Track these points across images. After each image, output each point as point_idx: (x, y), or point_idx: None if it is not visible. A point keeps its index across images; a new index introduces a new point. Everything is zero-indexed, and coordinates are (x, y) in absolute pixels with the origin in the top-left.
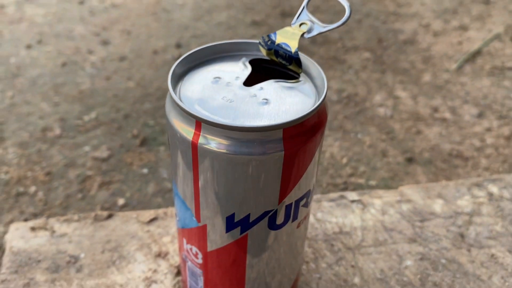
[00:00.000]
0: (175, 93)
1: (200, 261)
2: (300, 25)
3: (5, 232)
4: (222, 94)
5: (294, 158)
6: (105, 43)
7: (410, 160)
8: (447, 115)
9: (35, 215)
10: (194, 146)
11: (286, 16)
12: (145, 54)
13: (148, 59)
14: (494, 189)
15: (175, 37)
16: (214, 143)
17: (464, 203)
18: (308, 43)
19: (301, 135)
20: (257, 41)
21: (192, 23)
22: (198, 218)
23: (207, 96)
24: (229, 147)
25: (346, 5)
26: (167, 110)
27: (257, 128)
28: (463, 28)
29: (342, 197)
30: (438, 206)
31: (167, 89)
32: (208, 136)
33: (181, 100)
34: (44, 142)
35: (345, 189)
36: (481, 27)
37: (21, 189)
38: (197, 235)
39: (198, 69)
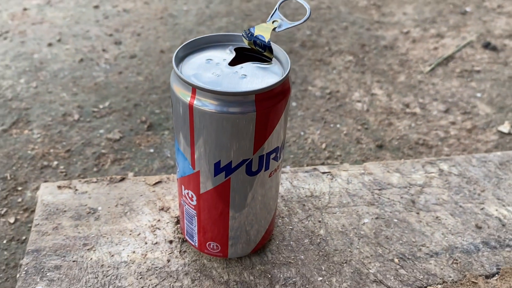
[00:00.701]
0: (178, 69)
1: (194, 202)
2: (273, 22)
3: (32, 197)
4: (212, 71)
5: (263, 117)
6: (117, 43)
7: (380, 147)
8: (417, 110)
9: (59, 187)
10: (190, 107)
11: None
12: (153, 53)
13: (155, 57)
14: (444, 166)
15: (180, 39)
16: (205, 105)
17: (418, 177)
18: (298, 46)
19: (269, 100)
20: (241, 34)
21: (196, 27)
22: (193, 166)
23: (201, 72)
24: (216, 107)
25: (307, 6)
26: (171, 82)
27: (236, 93)
28: (440, 35)
29: (315, 169)
30: (395, 178)
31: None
32: (201, 99)
33: (181, 72)
34: (65, 125)
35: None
36: (456, 35)
37: (45, 163)
38: (193, 180)
39: (195, 54)
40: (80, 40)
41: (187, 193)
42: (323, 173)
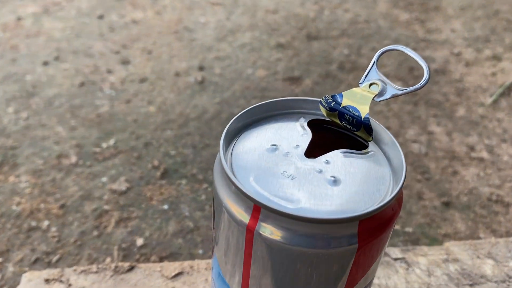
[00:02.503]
0: (226, 161)
1: None
2: (370, 85)
3: (15, 274)
4: (282, 168)
5: (366, 252)
6: (125, 62)
7: (447, 205)
8: (485, 154)
9: (47, 254)
10: (250, 232)
11: (312, 39)
12: (166, 76)
13: (170, 82)
14: None
15: (198, 58)
16: (275, 232)
17: None
18: (336, 69)
19: (377, 225)
20: (318, 99)
21: (215, 43)
22: None
23: (264, 170)
24: (293, 238)
25: (424, 65)
26: (215, 180)
27: (332, 220)
28: (496, 58)
29: (384, 254)
30: (488, 267)
31: (190, 116)
32: (268, 223)
33: (233, 171)
34: (59, 171)
35: None
36: None
37: (34, 223)
38: None
39: (251, 131)
40: (81, 57)
41: None
42: (396, 259)
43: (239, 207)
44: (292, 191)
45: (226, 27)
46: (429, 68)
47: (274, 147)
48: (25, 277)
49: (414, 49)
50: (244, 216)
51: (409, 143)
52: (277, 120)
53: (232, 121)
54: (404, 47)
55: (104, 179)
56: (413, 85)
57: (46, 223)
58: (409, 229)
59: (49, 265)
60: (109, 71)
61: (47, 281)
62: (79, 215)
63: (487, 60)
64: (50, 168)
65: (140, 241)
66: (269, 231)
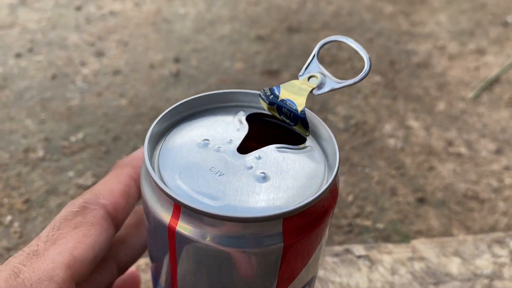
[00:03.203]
0: (151, 160)
1: None
2: (309, 78)
3: None
4: (211, 164)
5: (295, 251)
6: (99, 54)
7: (421, 201)
8: (462, 149)
9: (8, 249)
10: (171, 231)
11: (293, 32)
12: (141, 68)
13: (143, 74)
14: None
15: (174, 50)
16: (196, 232)
17: (484, 263)
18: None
19: (306, 222)
20: (257, 92)
21: (193, 35)
22: None
23: (191, 166)
24: (215, 238)
25: (365, 57)
26: (142, 179)
27: (253, 218)
28: (480, 51)
29: (347, 251)
30: (454, 265)
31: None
32: (189, 223)
33: (159, 169)
34: (26, 165)
35: (349, 232)
36: (499, 52)
37: None
38: None
39: (184, 125)
40: (55, 49)
41: None
42: (359, 257)
43: (161, 206)
44: (218, 188)
45: (205, 19)
46: (370, 60)
47: (205, 142)
48: None
49: (397, 43)
50: (165, 215)
51: (385, 138)
52: (214, 113)
53: (162, 116)
54: (346, 37)
55: (71, 173)
56: (353, 78)
57: (8, 218)
58: (380, 226)
59: None
60: (83, 64)
61: None
62: (43, 210)
63: (470, 54)
64: (16, 163)
65: None
66: (189, 229)
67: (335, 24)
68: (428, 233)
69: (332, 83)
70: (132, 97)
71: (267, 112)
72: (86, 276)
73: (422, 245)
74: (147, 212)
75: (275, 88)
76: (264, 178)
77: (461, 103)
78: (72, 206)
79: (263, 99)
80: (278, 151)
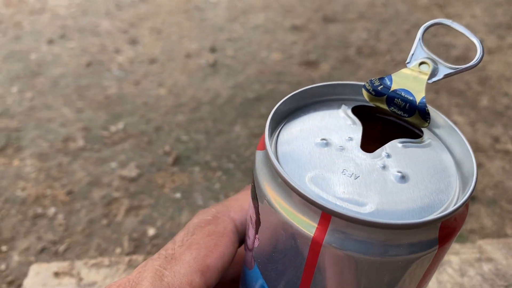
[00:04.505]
0: (278, 162)
1: None
2: (420, 64)
3: (21, 263)
4: (341, 166)
5: (442, 253)
6: (133, 42)
7: (472, 199)
8: (510, 147)
9: (54, 243)
10: (316, 244)
11: (329, 22)
12: (177, 57)
13: (180, 63)
14: None
15: (209, 39)
16: (347, 244)
17: None
18: (354, 54)
19: (454, 224)
20: (360, 84)
21: (227, 24)
22: None
23: (320, 168)
24: (370, 247)
25: (476, 41)
26: (263, 188)
27: (417, 224)
28: None
29: None
30: None
31: (203, 100)
32: (340, 234)
33: (288, 175)
34: (66, 155)
35: None
36: None
37: (39, 210)
38: None
39: (292, 123)
40: (88, 36)
41: None
42: None
43: (301, 215)
44: (360, 192)
45: (238, 7)
46: (481, 43)
47: (324, 141)
48: (32, 270)
49: (434, 35)
50: (308, 227)
51: None
52: (316, 109)
53: (272, 115)
54: (451, 21)
55: (113, 164)
56: (466, 64)
57: (52, 210)
58: (455, 246)
59: (56, 255)
60: (117, 51)
61: (56, 274)
62: (87, 202)
63: (510, 48)
64: (56, 152)
65: (151, 231)
66: (340, 242)
67: (370, 14)
68: (481, 232)
69: (445, 68)
70: (171, 87)
71: (369, 104)
72: (213, 285)
73: (489, 246)
74: (275, 222)
75: (386, 78)
76: (403, 178)
77: (504, 98)
78: (205, 214)
79: (368, 90)
80: (404, 146)
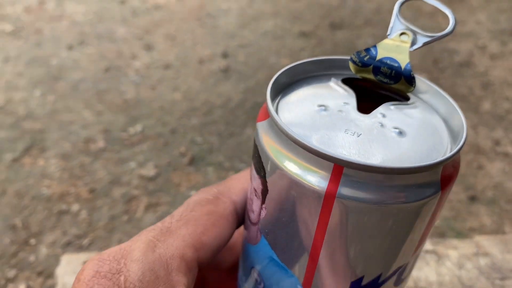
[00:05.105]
0: (284, 124)
1: None
2: (400, 35)
3: (48, 256)
4: (343, 126)
5: (443, 198)
6: (148, 47)
7: (473, 199)
8: (510, 149)
9: (78, 237)
10: (330, 198)
11: (336, 29)
12: (190, 63)
13: (194, 69)
14: None
15: (221, 45)
16: (360, 194)
17: None
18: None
19: (453, 170)
20: (346, 58)
21: (238, 30)
22: (307, 286)
23: (325, 129)
24: (380, 196)
25: (448, 12)
26: (271, 152)
27: (422, 167)
28: None
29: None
30: None
31: (215, 104)
32: (352, 185)
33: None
34: (87, 155)
35: None
36: None
37: (64, 206)
38: None
39: (288, 96)
40: (105, 42)
41: None
42: (427, 251)
43: (313, 172)
44: (365, 148)
45: (248, 14)
46: (453, 14)
47: (322, 107)
48: (64, 259)
49: (439, 41)
50: (320, 182)
51: None
52: (308, 83)
53: (271, 85)
54: None
55: (133, 164)
56: (441, 32)
57: (76, 206)
58: (436, 223)
59: (81, 248)
60: (134, 57)
61: (85, 263)
62: (109, 200)
63: None
64: (78, 152)
65: None
66: (354, 192)
67: (377, 20)
68: (481, 230)
69: (423, 37)
70: (185, 91)
71: (356, 77)
72: (207, 263)
73: (485, 241)
74: (284, 184)
75: (371, 48)
76: (401, 133)
77: (505, 103)
78: (206, 193)
79: (354, 62)
80: (396, 107)
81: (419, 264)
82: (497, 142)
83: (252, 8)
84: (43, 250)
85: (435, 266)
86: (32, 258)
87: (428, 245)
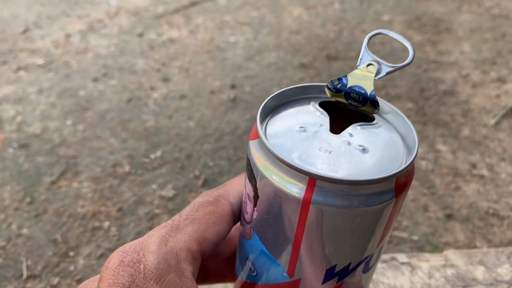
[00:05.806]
0: (269, 142)
1: None
2: (367, 65)
3: (85, 266)
4: (317, 145)
5: (399, 202)
6: (165, 79)
7: (449, 217)
8: (485, 172)
9: (110, 250)
10: (306, 204)
11: (332, 60)
12: (203, 93)
13: (206, 99)
14: None
15: (229, 77)
16: (329, 201)
17: (504, 271)
18: None
19: (406, 179)
20: (323, 84)
21: (245, 63)
22: (291, 273)
23: (303, 148)
24: (347, 201)
25: (408, 45)
26: (253, 157)
27: (379, 179)
28: (501, 80)
29: (393, 258)
30: (479, 272)
31: (224, 131)
32: (323, 193)
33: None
34: (115, 178)
35: (390, 242)
36: None
37: (96, 223)
38: None
39: (275, 118)
40: (126, 75)
41: None
42: (402, 263)
43: (292, 183)
44: (334, 163)
45: (254, 47)
46: (412, 47)
47: (302, 129)
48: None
49: (426, 71)
50: (299, 191)
51: (418, 161)
52: (291, 106)
53: (260, 111)
54: (387, 30)
55: (154, 186)
56: (402, 62)
57: (107, 223)
58: (415, 237)
59: None
60: (152, 88)
61: None
62: (134, 217)
63: (492, 82)
64: (107, 176)
65: None
66: (324, 199)
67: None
68: (455, 245)
69: (387, 67)
70: (198, 120)
71: (331, 99)
72: (208, 254)
73: (453, 255)
74: (271, 192)
75: (343, 78)
76: (364, 150)
77: (483, 129)
78: (208, 196)
79: (329, 89)
80: (362, 128)
81: (395, 274)
82: (473, 166)
83: (257, 40)
84: (81, 261)
85: (409, 276)
86: (72, 268)
87: (404, 258)
